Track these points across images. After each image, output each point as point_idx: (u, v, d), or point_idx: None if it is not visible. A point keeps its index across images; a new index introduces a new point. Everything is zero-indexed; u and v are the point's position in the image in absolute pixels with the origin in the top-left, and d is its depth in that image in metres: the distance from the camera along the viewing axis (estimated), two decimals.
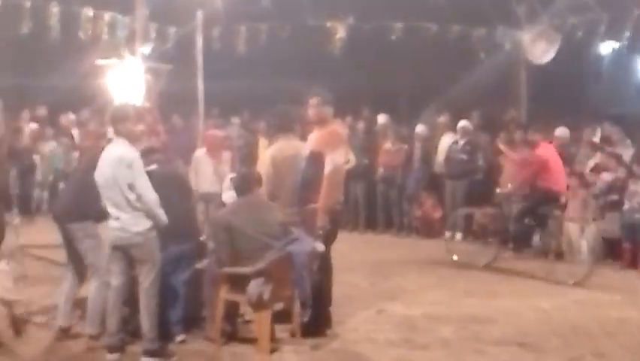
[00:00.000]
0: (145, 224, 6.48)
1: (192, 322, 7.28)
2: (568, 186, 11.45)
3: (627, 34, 14.35)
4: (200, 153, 11.26)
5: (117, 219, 6.48)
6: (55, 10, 13.45)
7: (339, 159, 7.20)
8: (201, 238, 7.68)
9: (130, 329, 6.85)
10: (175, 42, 14.60)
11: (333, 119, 7.65)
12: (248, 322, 7.48)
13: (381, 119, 14.94)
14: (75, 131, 16.01)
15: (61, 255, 7.63)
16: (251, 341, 6.95)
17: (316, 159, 7.17)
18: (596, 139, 12.64)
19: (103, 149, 6.83)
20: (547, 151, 10.83)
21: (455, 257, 11.37)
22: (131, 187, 6.40)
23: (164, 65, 12.37)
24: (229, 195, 10.64)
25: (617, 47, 20.31)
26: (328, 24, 15.07)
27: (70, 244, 7.04)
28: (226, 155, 12.40)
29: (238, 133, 15.64)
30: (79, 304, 7.18)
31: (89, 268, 6.99)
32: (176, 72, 12.35)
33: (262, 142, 14.20)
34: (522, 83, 15.47)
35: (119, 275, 6.65)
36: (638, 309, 8.56)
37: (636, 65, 22.46)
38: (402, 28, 15.12)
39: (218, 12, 13.54)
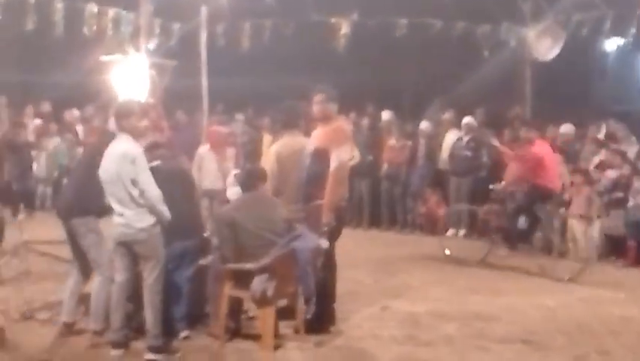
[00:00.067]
0: (149, 220, 6.48)
1: (196, 318, 7.28)
2: (572, 183, 11.46)
3: (632, 30, 14.33)
4: (204, 149, 11.26)
5: (121, 215, 6.48)
6: (59, 6, 13.44)
7: (344, 156, 7.19)
8: (205, 235, 7.68)
9: (134, 325, 6.85)
10: (179, 38, 14.59)
11: (337, 115, 7.64)
12: (252, 318, 7.47)
13: (386, 115, 14.91)
14: (79, 128, 16.04)
15: (65, 251, 7.64)
16: (255, 337, 6.93)
17: (321, 156, 7.16)
18: (601, 136, 12.61)
19: (104, 144, 6.85)
20: (542, 148, 10.81)
21: (447, 252, 11.38)
22: (134, 183, 6.40)
23: (169, 61, 12.38)
24: (233, 192, 10.66)
25: (622, 43, 20.32)
26: (332, 20, 15.06)
27: (74, 239, 7.04)
28: (230, 151, 12.41)
29: (242, 129, 15.62)
30: (83, 300, 7.18)
31: (91, 263, 6.98)
32: (180, 68, 12.36)
33: (266, 138, 14.25)
34: (527, 79, 15.44)
35: (123, 271, 6.65)
36: None
37: None
38: (406, 24, 15.09)
39: (223, 8, 13.53)
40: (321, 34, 15.17)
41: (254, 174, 7.20)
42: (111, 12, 13.79)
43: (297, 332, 7.18)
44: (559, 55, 14.69)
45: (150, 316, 6.51)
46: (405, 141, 14.16)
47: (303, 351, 6.84)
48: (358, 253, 11.15)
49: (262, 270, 6.56)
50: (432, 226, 13.36)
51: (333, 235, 7.24)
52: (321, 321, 7.28)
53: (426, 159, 14.00)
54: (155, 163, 7.11)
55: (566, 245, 11.25)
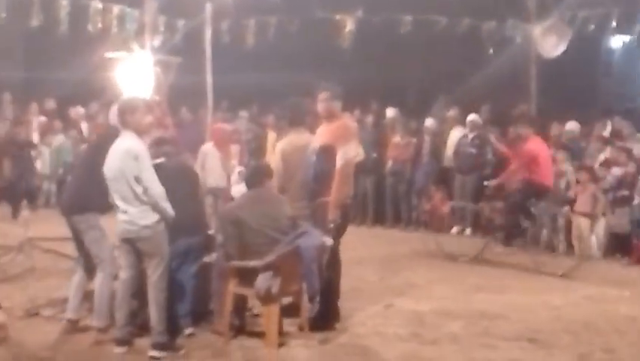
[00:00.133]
0: (152, 217, 6.47)
1: (200, 315, 7.28)
2: (577, 181, 11.44)
3: (638, 28, 14.30)
4: (208, 146, 11.24)
5: (125, 212, 6.48)
6: (64, 3, 13.44)
7: (350, 153, 7.19)
8: (209, 232, 7.68)
9: (138, 322, 6.84)
10: (184, 35, 14.58)
11: (341, 113, 7.63)
12: (256, 316, 7.48)
13: (390, 112, 14.91)
14: (84, 125, 16.06)
15: (69, 248, 7.65)
16: (259, 334, 6.93)
17: (328, 153, 7.16)
18: (607, 133, 12.60)
19: (105, 140, 6.86)
20: (536, 145, 10.77)
21: (443, 249, 11.41)
22: (137, 180, 6.40)
23: (174, 58, 12.37)
24: (238, 189, 10.67)
25: (628, 40, 20.30)
26: (337, 17, 15.03)
27: (77, 236, 7.04)
28: (234, 148, 12.40)
29: (246, 127, 15.63)
30: (88, 297, 7.17)
31: (94, 260, 6.98)
32: (184, 65, 12.35)
33: (270, 136, 14.24)
34: (532, 76, 15.38)
35: (127, 268, 6.65)
36: None
37: None
38: (411, 21, 15.06)
39: (227, 5, 13.51)
40: (325, 31, 15.15)
41: (259, 170, 7.20)
42: (116, 9, 13.77)
43: (301, 329, 7.16)
44: (564, 52, 14.63)
45: (154, 313, 6.51)
46: (409, 138, 14.16)
47: (308, 349, 6.83)
48: (362, 250, 11.15)
49: (267, 267, 6.55)
50: (436, 224, 13.34)
51: (338, 233, 7.25)
52: (326, 318, 7.28)
53: (430, 156, 14.00)
54: (160, 160, 7.11)
55: (568, 243, 11.25)
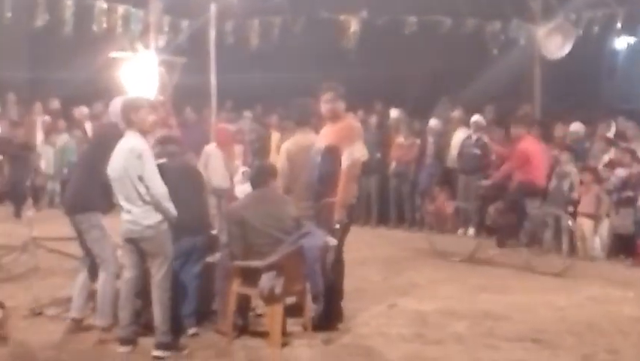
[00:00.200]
0: (156, 217, 6.48)
1: (203, 315, 7.28)
2: (581, 182, 11.43)
3: None
4: (211, 147, 11.23)
5: (129, 212, 6.49)
6: (69, 3, 13.46)
7: (356, 154, 7.20)
8: (213, 232, 7.69)
9: (142, 322, 6.86)
10: (188, 35, 14.59)
11: (346, 113, 7.64)
12: (259, 315, 7.48)
13: (394, 113, 14.91)
14: (88, 125, 16.06)
15: (73, 247, 7.66)
16: (262, 334, 6.94)
17: (332, 154, 7.17)
18: (611, 134, 12.57)
19: (105, 138, 6.88)
20: (529, 145, 10.82)
21: (436, 248, 11.46)
22: (141, 179, 6.41)
23: (178, 58, 12.38)
24: (241, 189, 10.67)
25: (632, 42, 20.26)
26: (341, 18, 15.04)
27: (81, 235, 7.05)
28: (238, 149, 12.40)
29: (250, 127, 15.64)
30: (92, 296, 7.18)
31: (96, 259, 6.98)
32: (189, 65, 12.36)
33: (274, 136, 14.26)
34: (536, 77, 15.37)
35: (131, 268, 6.66)
36: None
37: None
38: (416, 22, 15.06)
39: (232, 5, 13.52)
40: (330, 31, 15.16)
41: (264, 170, 7.20)
42: (121, 9, 13.79)
43: (304, 329, 7.16)
44: (569, 53, 14.63)
45: (158, 313, 6.52)
46: (413, 139, 14.15)
47: (311, 348, 6.83)
48: (366, 250, 11.16)
49: (270, 267, 6.56)
50: (440, 224, 13.34)
51: (343, 233, 7.25)
52: (329, 319, 7.29)
53: (434, 157, 13.98)
54: (162, 160, 7.11)
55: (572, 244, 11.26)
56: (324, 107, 7.45)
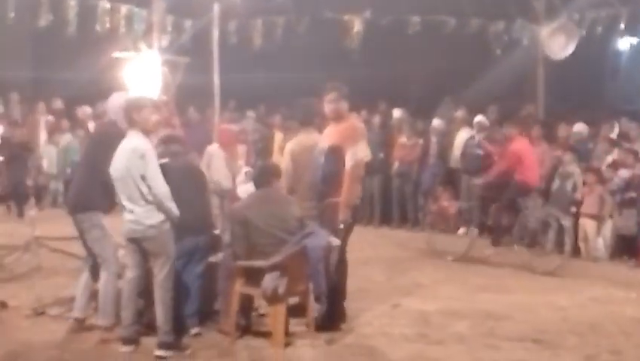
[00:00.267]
0: (158, 217, 6.48)
1: (206, 315, 7.28)
2: (584, 182, 11.42)
3: None
4: (213, 147, 11.22)
5: (131, 212, 6.49)
6: (72, 3, 13.48)
7: (360, 154, 7.20)
8: (215, 232, 7.69)
9: (145, 322, 6.85)
10: (191, 35, 14.60)
11: (349, 113, 7.64)
12: (262, 315, 7.48)
13: (397, 113, 14.91)
14: (91, 124, 16.06)
15: (76, 247, 7.67)
16: (265, 334, 6.94)
17: (336, 154, 7.17)
18: (614, 135, 12.57)
19: (104, 135, 6.89)
20: (521, 145, 10.97)
21: (434, 247, 11.53)
22: (143, 178, 6.41)
23: (181, 58, 12.38)
24: (244, 189, 10.66)
25: (636, 42, 20.24)
26: (345, 18, 15.04)
27: (83, 235, 7.06)
28: (241, 149, 12.38)
29: (253, 127, 15.64)
30: (95, 296, 7.18)
31: (97, 258, 6.99)
32: (192, 65, 12.36)
33: (277, 136, 14.24)
34: (540, 78, 15.37)
35: (133, 268, 6.66)
36: None
37: None
38: (419, 22, 15.06)
39: (235, 5, 13.52)
40: (333, 31, 15.16)
41: (267, 170, 7.21)
42: (124, 9, 13.81)
43: (307, 329, 7.15)
44: (572, 53, 14.63)
45: (161, 312, 6.52)
46: (416, 139, 14.15)
47: (314, 348, 6.83)
48: (369, 251, 11.16)
49: (273, 267, 6.56)
50: (443, 225, 13.33)
51: (346, 233, 7.26)
52: (332, 319, 7.28)
53: (437, 157, 13.97)
54: (164, 160, 7.09)
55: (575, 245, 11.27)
56: (327, 107, 7.44)
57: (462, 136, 13.81)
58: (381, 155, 13.92)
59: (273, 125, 15.27)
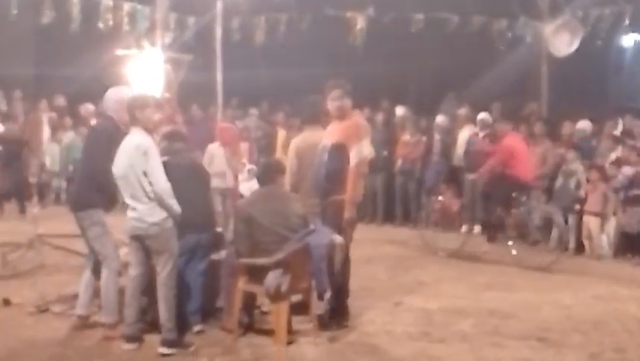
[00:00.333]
0: (161, 214, 6.48)
1: (209, 312, 7.28)
2: (588, 180, 11.40)
3: None
4: (214, 146, 11.21)
5: (134, 209, 6.49)
6: (75, 0, 13.47)
7: (364, 152, 7.19)
8: (218, 229, 7.68)
9: (148, 319, 6.85)
10: (194, 32, 14.59)
11: (352, 110, 7.62)
12: (265, 313, 7.48)
13: (400, 111, 14.90)
14: (94, 122, 16.04)
15: (79, 244, 7.66)
16: (268, 332, 6.93)
17: (340, 151, 7.16)
18: (618, 132, 12.53)
19: (101, 130, 6.89)
20: (514, 141, 11.19)
21: (425, 242, 11.65)
22: (146, 175, 6.40)
23: (184, 55, 12.38)
24: (247, 187, 10.66)
25: (639, 39, 20.19)
26: (348, 15, 15.02)
27: (84, 232, 7.06)
28: (244, 146, 12.38)
29: (256, 124, 15.64)
30: (98, 293, 7.17)
31: (98, 256, 6.98)
32: (195, 63, 12.36)
33: (280, 133, 14.24)
34: (543, 75, 15.34)
35: (136, 265, 6.66)
36: None
37: None
38: (422, 19, 15.04)
39: (238, 2, 13.52)
40: (336, 29, 15.14)
41: (271, 167, 7.19)
42: (127, 6, 13.81)
43: (310, 327, 7.14)
44: (575, 51, 14.60)
45: (164, 310, 6.52)
46: (419, 137, 14.14)
47: (317, 346, 6.82)
48: (372, 249, 11.14)
49: (276, 265, 6.54)
50: (446, 222, 13.31)
51: (350, 231, 7.24)
52: (335, 316, 7.27)
53: (441, 154, 13.95)
54: (165, 158, 7.07)
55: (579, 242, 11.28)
56: (331, 105, 7.43)
57: (465, 134, 13.79)
58: (385, 152, 13.92)
59: (275, 123, 15.28)
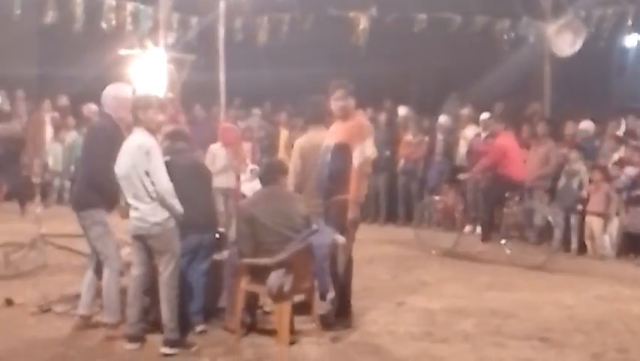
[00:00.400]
0: (163, 214, 6.48)
1: (211, 312, 7.28)
2: (591, 180, 11.39)
3: None
4: (216, 146, 11.21)
5: (136, 209, 6.50)
6: (78, 0, 13.48)
7: (368, 151, 7.19)
8: (221, 229, 7.68)
9: (150, 319, 6.86)
10: (197, 32, 14.60)
11: (356, 110, 7.63)
12: (267, 313, 7.48)
13: (402, 111, 14.89)
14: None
15: (81, 244, 7.67)
16: (270, 332, 6.93)
17: (343, 151, 7.16)
18: (621, 133, 12.53)
19: (98, 128, 6.93)
20: (506, 141, 11.25)
21: (419, 240, 11.75)
22: (148, 174, 6.41)
23: (188, 55, 12.39)
24: (249, 187, 10.66)
25: None
26: (351, 15, 15.02)
27: (86, 232, 7.07)
28: (246, 146, 12.37)
29: (259, 124, 15.63)
30: (100, 293, 7.18)
31: (99, 256, 6.98)
32: (198, 63, 12.37)
33: (283, 133, 14.24)
34: (546, 75, 15.33)
35: (138, 265, 6.67)
36: None
37: None
38: (425, 19, 15.04)
39: (241, 2, 13.53)
40: (339, 29, 15.14)
41: (273, 167, 7.19)
42: (130, 6, 13.82)
43: (312, 327, 7.14)
44: (578, 51, 14.59)
45: (166, 310, 6.52)
46: (422, 137, 14.13)
47: (319, 346, 6.83)
48: (374, 248, 11.14)
49: (279, 265, 6.55)
50: (449, 223, 13.30)
51: (353, 231, 7.25)
52: (339, 316, 7.27)
53: (443, 154, 13.94)
54: (169, 158, 7.07)
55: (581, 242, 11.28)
56: (335, 105, 7.42)
57: (468, 133, 13.79)
58: (387, 153, 13.91)
59: (278, 123, 15.28)
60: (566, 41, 14.63)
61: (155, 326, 6.74)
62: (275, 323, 6.86)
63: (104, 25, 13.72)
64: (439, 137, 14.07)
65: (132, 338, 6.62)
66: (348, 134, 7.24)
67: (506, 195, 11.05)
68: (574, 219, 11.49)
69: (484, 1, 15.13)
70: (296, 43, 15.82)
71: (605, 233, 11.29)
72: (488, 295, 8.83)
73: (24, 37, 17.60)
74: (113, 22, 13.72)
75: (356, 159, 7.12)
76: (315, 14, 15.08)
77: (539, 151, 12.24)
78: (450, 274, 9.94)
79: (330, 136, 7.39)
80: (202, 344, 6.76)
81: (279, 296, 6.58)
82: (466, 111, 14.29)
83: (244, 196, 10.32)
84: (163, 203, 6.47)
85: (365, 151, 7.18)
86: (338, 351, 6.77)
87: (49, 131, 16.15)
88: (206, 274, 7.15)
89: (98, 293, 7.18)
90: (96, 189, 6.83)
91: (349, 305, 7.46)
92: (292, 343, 6.78)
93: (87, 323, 7.14)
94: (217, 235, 7.48)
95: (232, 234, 7.39)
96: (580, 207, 11.43)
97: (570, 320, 7.78)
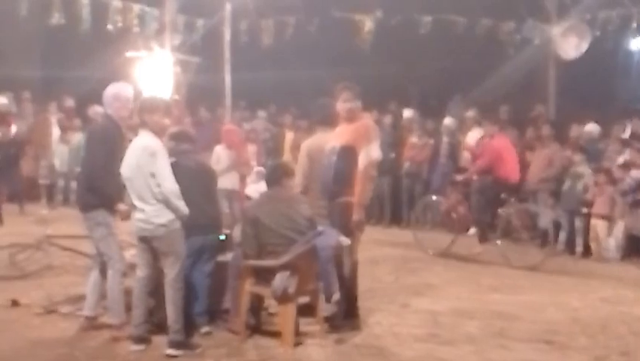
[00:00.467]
0: (168, 216, 6.49)
1: (215, 314, 7.29)
2: (595, 183, 11.39)
3: None
4: (220, 148, 11.23)
5: (142, 211, 6.51)
6: (84, 1, 13.53)
7: (374, 153, 7.20)
8: (226, 231, 7.69)
9: (155, 321, 6.87)
10: (203, 35, 14.63)
11: (362, 112, 7.64)
12: (272, 315, 7.49)
13: (407, 113, 14.90)
14: None
15: (86, 245, 7.69)
16: (275, 334, 6.94)
17: (349, 153, 7.16)
18: (625, 135, 12.52)
19: (98, 129, 6.93)
20: (501, 142, 11.32)
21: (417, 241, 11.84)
22: (153, 176, 6.42)
23: (193, 57, 12.42)
24: (254, 189, 10.68)
25: None
26: (356, 17, 15.04)
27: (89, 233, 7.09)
28: (251, 148, 12.40)
29: (264, 126, 15.66)
30: (105, 294, 7.19)
31: (103, 257, 7.00)
32: (203, 65, 12.41)
33: (288, 135, 14.26)
34: (551, 78, 15.34)
35: (143, 267, 6.68)
36: None
37: None
38: (430, 21, 15.06)
39: (246, 4, 13.56)
40: (344, 31, 15.17)
41: (278, 169, 7.20)
42: (136, 8, 13.86)
43: (317, 329, 7.15)
44: (583, 53, 14.60)
45: (171, 311, 6.53)
46: (426, 139, 14.14)
47: (323, 348, 6.83)
48: (379, 250, 11.16)
49: (284, 267, 6.56)
50: (452, 224, 13.30)
51: (358, 233, 7.26)
52: (345, 318, 7.28)
53: (448, 157, 13.94)
54: (173, 159, 7.08)
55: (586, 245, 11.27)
56: (342, 107, 7.43)
57: (472, 136, 13.79)
58: (392, 155, 13.92)
59: (283, 125, 15.31)
60: (570, 44, 14.64)
61: (160, 328, 6.75)
62: (279, 324, 6.88)
63: (110, 27, 13.75)
64: (444, 139, 14.07)
65: (137, 340, 6.63)
66: (354, 136, 7.25)
67: (502, 196, 11.05)
68: (578, 222, 11.48)
69: (489, 4, 15.14)
70: (301, 45, 15.86)
71: (609, 236, 11.29)
72: (492, 297, 8.84)
73: (30, 39, 17.67)
74: (119, 24, 13.76)
75: (362, 161, 7.13)
76: (320, 17, 15.11)
77: (544, 153, 12.25)
78: (454, 276, 9.94)
79: (335, 138, 7.40)
80: (206, 345, 6.76)
81: (283, 298, 6.60)
82: (471, 114, 14.28)
83: (248, 198, 10.34)
84: (168, 204, 6.48)
85: (371, 154, 7.18)
86: (342, 353, 6.77)
87: (55, 132, 16.17)
88: (210, 276, 7.16)
89: (103, 294, 7.19)
90: (96, 191, 6.84)
91: (356, 307, 7.46)
92: (296, 345, 6.79)
93: (92, 324, 7.15)
94: (223, 237, 7.49)
95: (236, 236, 7.41)
96: (584, 209, 11.43)
97: (574, 323, 7.77)
